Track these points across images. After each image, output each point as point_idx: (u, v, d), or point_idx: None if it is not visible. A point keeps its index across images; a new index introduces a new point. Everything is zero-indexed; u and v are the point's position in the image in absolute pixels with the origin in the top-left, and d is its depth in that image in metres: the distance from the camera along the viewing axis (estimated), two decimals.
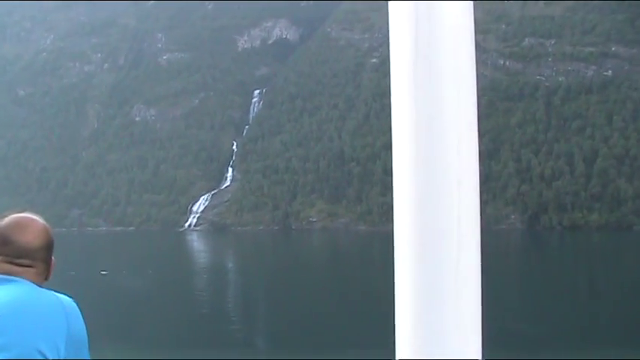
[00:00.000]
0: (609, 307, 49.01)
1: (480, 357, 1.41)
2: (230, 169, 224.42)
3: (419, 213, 1.50)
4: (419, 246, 1.45)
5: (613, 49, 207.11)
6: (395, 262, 1.50)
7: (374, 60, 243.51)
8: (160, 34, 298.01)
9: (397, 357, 1.48)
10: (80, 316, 3.34)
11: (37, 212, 3.33)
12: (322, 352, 31.64)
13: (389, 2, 1.57)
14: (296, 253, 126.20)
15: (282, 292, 60.20)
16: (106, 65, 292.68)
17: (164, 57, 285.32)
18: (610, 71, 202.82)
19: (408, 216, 1.52)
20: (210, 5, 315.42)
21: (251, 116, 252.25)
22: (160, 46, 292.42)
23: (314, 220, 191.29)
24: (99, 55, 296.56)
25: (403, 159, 1.61)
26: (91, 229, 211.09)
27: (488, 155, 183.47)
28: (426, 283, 1.45)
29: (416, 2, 1.53)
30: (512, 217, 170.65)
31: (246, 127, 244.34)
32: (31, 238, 3.08)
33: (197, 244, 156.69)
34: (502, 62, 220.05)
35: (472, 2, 1.53)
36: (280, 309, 50.32)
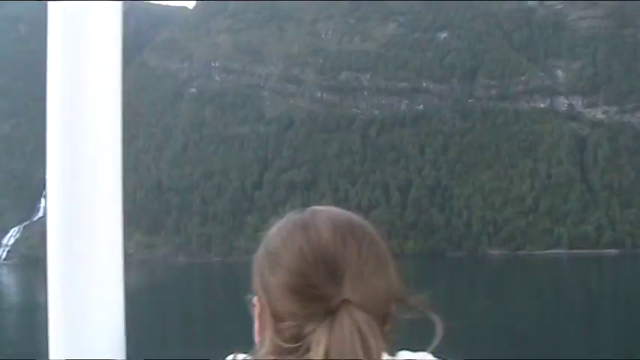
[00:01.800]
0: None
1: (124, 357, 1.55)
2: (43, 200, 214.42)
3: (65, 224, 1.53)
4: (67, 250, 1.51)
5: (424, 84, 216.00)
6: (47, 265, 1.53)
7: (192, 90, 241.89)
8: None
9: (50, 357, 1.52)
10: None
11: None
12: None
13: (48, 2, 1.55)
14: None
15: None
16: None
17: None
18: (422, 105, 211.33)
19: (56, 229, 1.54)
20: (23, 28, 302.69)
21: None
22: None
23: (131, 251, 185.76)
24: None
25: (53, 163, 1.60)
26: None
27: (306, 186, 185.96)
28: (73, 288, 1.52)
29: (65, 2, 1.53)
30: None
31: None
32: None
33: (8, 278, 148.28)
34: (319, 94, 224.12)
35: (120, 2, 1.58)
36: None
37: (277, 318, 1.34)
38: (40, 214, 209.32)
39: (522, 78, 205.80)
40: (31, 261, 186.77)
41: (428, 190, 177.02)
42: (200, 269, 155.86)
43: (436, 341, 1.42)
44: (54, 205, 1.55)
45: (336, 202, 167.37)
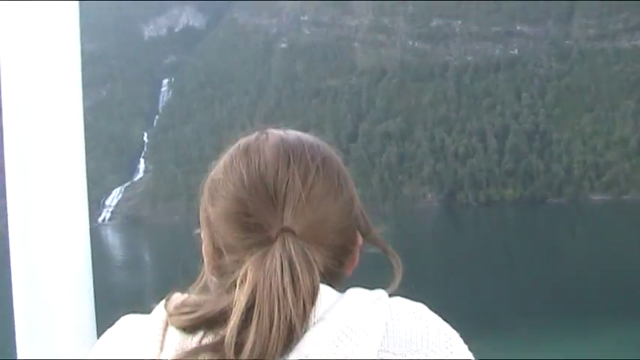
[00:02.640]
0: (531, 278, 49.21)
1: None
2: (142, 161, 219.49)
3: (27, 217, 1.41)
4: (32, 248, 1.39)
5: (518, 27, 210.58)
6: (11, 265, 1.45)
7: (283, 45, 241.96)
8: None
9: (18, 357, 1.47)
10: None
11: None
12: None
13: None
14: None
15: None
16: None
17: None
18: (516, 49, 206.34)
19: (18, 221, 1.42)
20: None
21: (161, 106, 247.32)
22: None
23: None
24: None
25: (10, 150, 1.45)
26: None
27: (401, 136, 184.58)
28: (39, 284, 1.40)
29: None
30: (429, 195, 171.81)
31: (156, 116, 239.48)
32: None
33: (114, 238, 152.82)
34: (411, 43, 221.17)
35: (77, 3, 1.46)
36: None
37: (219, 252, 1.25)
38: (140, 174, 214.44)
39: (622, 15, 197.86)
40: (134, 220, 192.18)
41: (526, 135, 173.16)
42: None
43: (395, 284, 1.29)
44: (14, 206, 1.44)
45: (432, 151, 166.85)
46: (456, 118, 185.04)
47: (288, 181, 1.18)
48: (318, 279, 1.09)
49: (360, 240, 1.29)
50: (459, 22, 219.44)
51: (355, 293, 1.15)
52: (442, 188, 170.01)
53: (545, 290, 43.78)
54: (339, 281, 1.20)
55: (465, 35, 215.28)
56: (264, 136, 1.34)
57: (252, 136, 1.37)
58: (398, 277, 1.28)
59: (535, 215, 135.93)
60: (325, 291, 1.12)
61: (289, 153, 1.24)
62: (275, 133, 1.34)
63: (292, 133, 1.33)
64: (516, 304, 40.01)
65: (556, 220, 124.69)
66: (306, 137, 1.33)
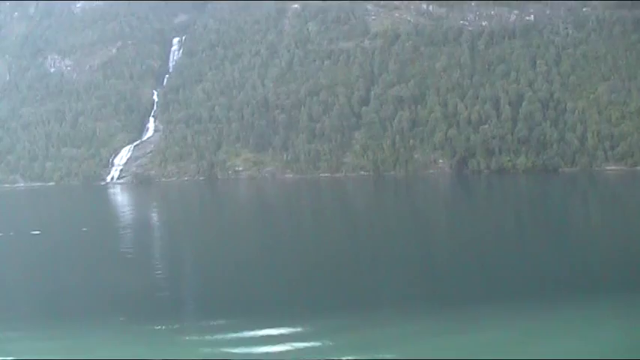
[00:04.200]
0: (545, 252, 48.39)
1: None
2: (152, 120, 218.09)
3: None
4: None
5: None
6: None
7: (295, 5, 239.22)
8: None
9: None
10: None
11: None
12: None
13: None
14: (226, 203, 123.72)
15: (217, 248, 58.48)
16: (15, 14, 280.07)
17: (77, 5, 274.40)
18: (532, 16, 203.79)
19: None
20: None
21: (171, 65, 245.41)
22: None
23: (240, 169, 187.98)
24: (7, 3, 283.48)
25: None
26: (8, 185, 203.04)
27: (414, 100, 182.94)
28: None
29: None
30: (440, 161, 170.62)
31: (167, 76, 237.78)
32: None
33: (123, 197, 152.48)
34: (425, 7, 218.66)
35: None
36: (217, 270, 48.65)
37: None
38: (150, 134, 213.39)
39: None
40: (143, 179, 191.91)
41: (540, 103, 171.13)
42: (308, 185, 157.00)
43: None
44: None
45: (445, 117, 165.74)
46: (470, 84, 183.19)
47: None
48: None
49: None
50: None
51: None
52: (454, 154, 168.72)
53: (554, 261, 43.09)
54: None
55: (480, 0, 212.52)
56: None
57: None
58: None
59: (547, 184, 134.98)
60: None
61: None
62: None
63: None
64: (525, 274, 39.37)
65: (568, 189, 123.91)
66: None
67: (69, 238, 67.31)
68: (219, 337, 27.93)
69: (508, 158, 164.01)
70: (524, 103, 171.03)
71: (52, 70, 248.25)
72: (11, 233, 68.49)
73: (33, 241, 62.81)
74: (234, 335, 28.03)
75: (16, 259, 54.26)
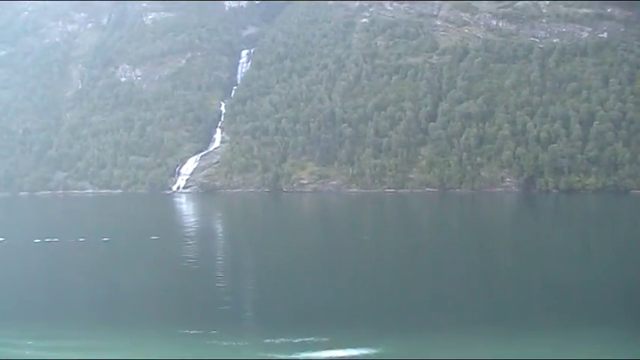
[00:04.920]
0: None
1: None
2: (219, 131, 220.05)
3: None
4: None
5: (609, 10, 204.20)
6: None
7: (364, 20, 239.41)
8: None
9: None
10: None
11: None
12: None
13: None
14: (291, 216, 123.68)
15: (277, 258, 58.56)
16: (89, 25, 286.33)
17: (149, 16, 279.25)
18: (605, 33, 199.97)
19: None
20: None
21: (239, 77, 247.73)
22: (144, 5, 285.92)
23: (305, 182, 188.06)
24: (82, 14, 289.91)
25: None
26: (77, 192, 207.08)
27: (482, 117, 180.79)
28: None
29: None
30: (508, 180, 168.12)
31: (234, 87, 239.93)
32: None
33: (189, 206, 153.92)
34: (495, 23, 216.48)
35: None
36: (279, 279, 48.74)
37: None
38: (217, 144, 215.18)
39: None
40: (208, 189, 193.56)
41: (612, 123, 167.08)
42: (372, 200, 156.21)
43: None
44: None
45: (513, 135, 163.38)
46: (539, 102, 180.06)
47: None
48: None
49: None
50: (546, 3, 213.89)
51: None
52: (521, 173, 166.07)
53: (623, 284, 42.01)
54: None
55: (552, 16, 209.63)
56: None
57: None
58: None
59: (618, 206, 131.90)
60: None
61: None
62: None
63: None
64: (591, 296, 38.51)
65: None
66: None
67: (138, 245, 67.99)
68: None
69: (577, 178, 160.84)
70: (595, 122, 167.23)
71: (123, 79, 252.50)
72: (81, 239, 69.46)
73: (103, 248, 63.63)
74: (292, 341, 28.77)
75: (86, 265, 54.96)
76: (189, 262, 55.19)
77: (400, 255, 59.78)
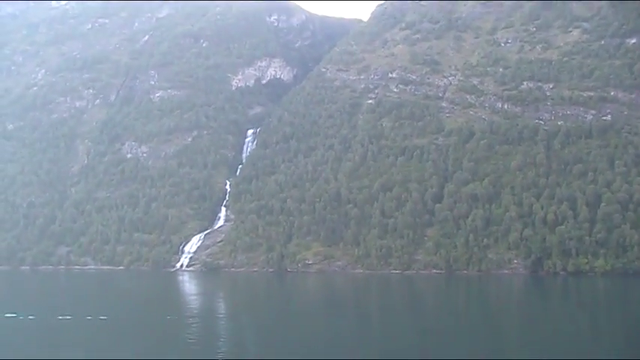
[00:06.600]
0: None
1: None
2: (223, 209, 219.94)
3: None
4: None
5: (612, 93, 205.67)
6: None
7: (370, 101, 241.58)
8: (152, 71, 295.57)
9: None
10: None
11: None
12: None
13: None
14: (295, 297, 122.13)
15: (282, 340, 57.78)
16: (97, 101, 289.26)
17: (157, 94, 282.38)
18: (609, 116, 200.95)
19: None
20: (204, 43, 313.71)
21: (245, 156, 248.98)
22: (152, 83, 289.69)
23: (310, 262, 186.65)
24: (90, 90, 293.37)
25: None
26: (78, 267, 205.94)
27: (488, 199, 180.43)
28: None
29: None
30: (515, 261, 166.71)
31: (240, 166, 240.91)
32: None
33: (191, 285, 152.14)
34: (500, 105, 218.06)
35: None
36: None
37: None
38: (221, 223, 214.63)
39: None
40: (212, 268, 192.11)
41: (619, 205, 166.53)
42: (378, 281, 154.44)
43: None
44: None
45: (520, 216, 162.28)
46: (545, 184, 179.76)
47: None
48: None
49: None
50: (550, 86, 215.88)
51: None
52: (529, 255, 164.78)
53: None
54: None
55: (557, 99, 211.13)
56: None
57: None
58: None
59: (627, 288, 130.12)
60: None
61: None
62: None
63: None
64: None
65: None
66: None
67: (138, 324, 67.29)
68: None
69: (586, 260, 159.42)
70: (602, 204, 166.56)
71: (129, 155, 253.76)
72: (88, 317, 68.90)
73: (99, 326, 63.25)
74: None
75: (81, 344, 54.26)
76: (190, 342, 54.52)
77: (407, 340, 58.67)
